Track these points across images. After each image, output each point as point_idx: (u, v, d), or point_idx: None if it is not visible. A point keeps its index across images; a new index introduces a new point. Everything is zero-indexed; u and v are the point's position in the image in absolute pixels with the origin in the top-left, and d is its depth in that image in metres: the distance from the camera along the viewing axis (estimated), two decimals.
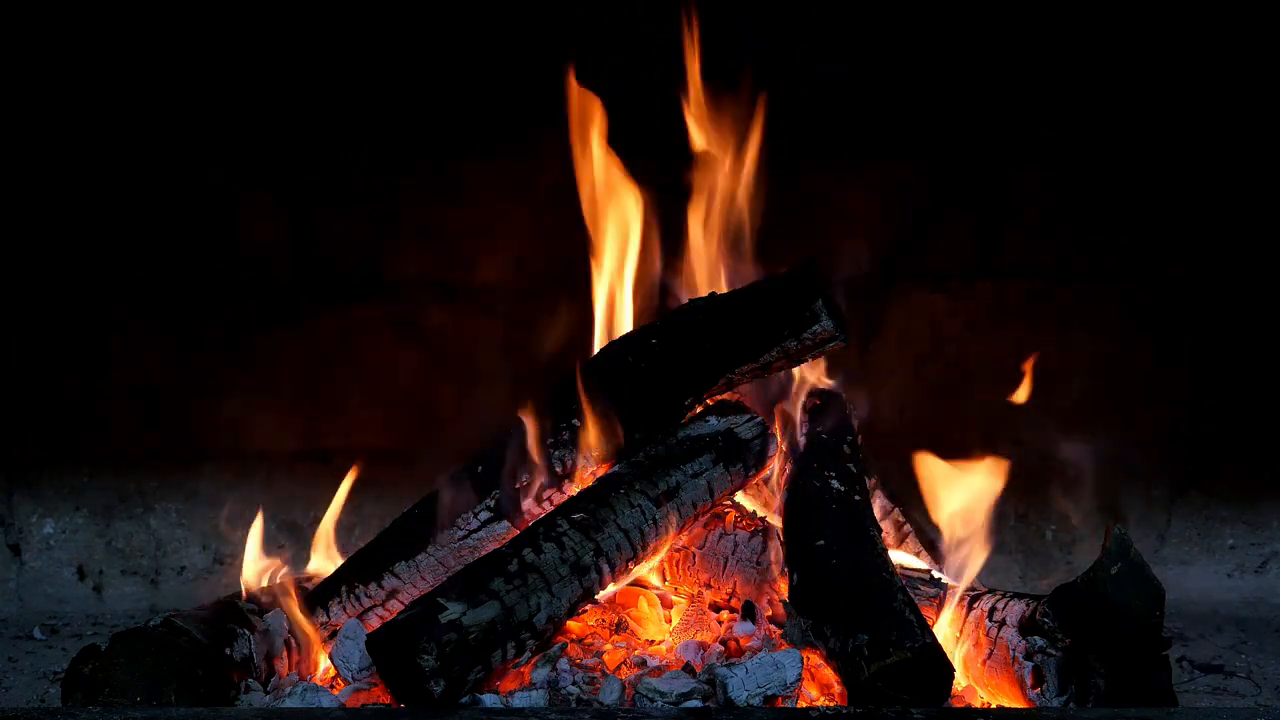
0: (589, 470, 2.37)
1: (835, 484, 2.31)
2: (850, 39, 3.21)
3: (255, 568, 2.37)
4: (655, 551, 2.29)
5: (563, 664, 2.11)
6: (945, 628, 2.21)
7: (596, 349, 2.52)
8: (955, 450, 3.10)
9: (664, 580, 2.45)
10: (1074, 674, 1.98)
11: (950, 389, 3.29)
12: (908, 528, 2.59)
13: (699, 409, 2.41)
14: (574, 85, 2.64)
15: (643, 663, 2.17)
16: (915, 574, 2.36)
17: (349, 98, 3.20)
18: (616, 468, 2.31)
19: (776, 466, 2.44)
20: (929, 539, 2.53)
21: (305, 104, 3.20)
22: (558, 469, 2.36)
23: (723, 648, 2.22)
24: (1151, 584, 1.98)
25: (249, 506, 3.21)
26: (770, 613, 2.30)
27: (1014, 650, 2.06)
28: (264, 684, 2.17)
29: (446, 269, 3.27)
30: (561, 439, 2.37)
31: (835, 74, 3.21)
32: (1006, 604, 2.14)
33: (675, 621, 2.34)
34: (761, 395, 2.55)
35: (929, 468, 2.47)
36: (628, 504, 2.21)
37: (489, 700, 2.00)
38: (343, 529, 2.86)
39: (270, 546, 2.53)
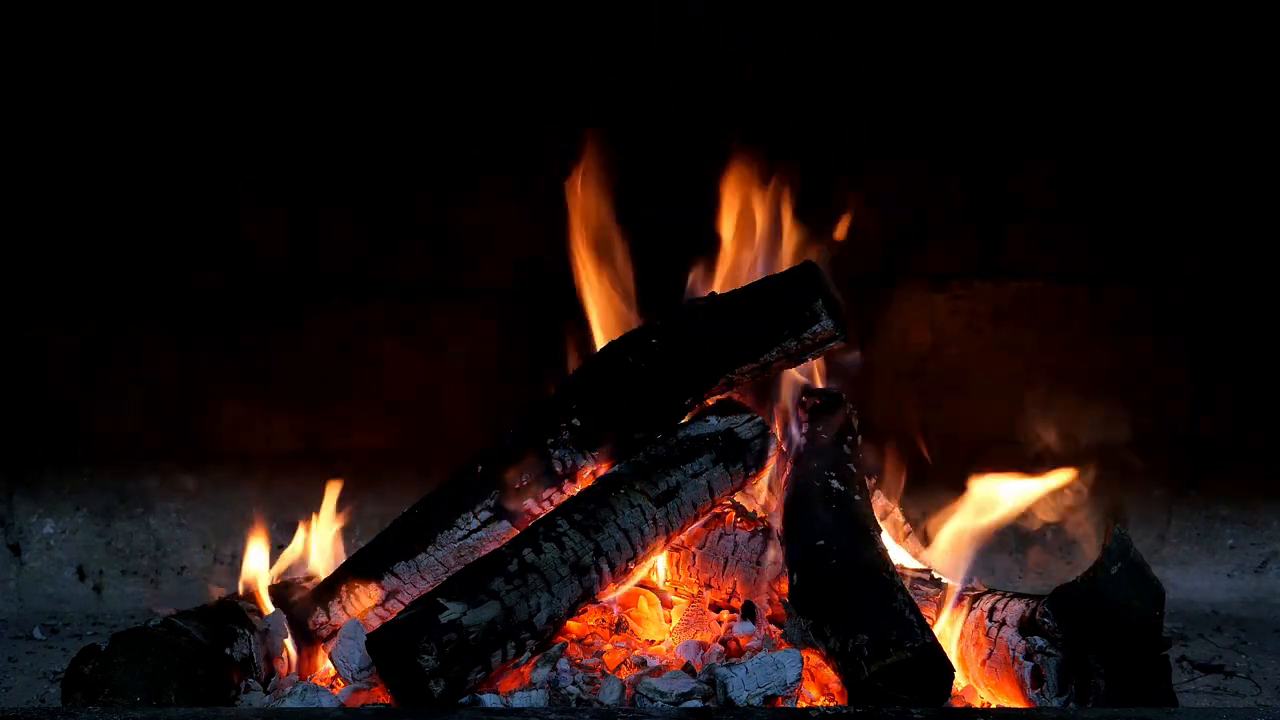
0: (589, 470, 2.37)
1: (835, 484, 2.31)
2: (848, 37, 3.22)
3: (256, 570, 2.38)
4: (655, 551, 2.29)
5: (563, 664, 2.11)
6: (945, 628, 2.20)
7: (597, 348, 2.52)
8: (955, 450, 3.12)
9: (664, 580, 2.45)
10: (1074, 674, 1.97)
11: (950, 389, 3.29)
12: (908, 527, 2.59)
13: (699, 409, 2.41)
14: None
15: (643, 663, 2.17)
16: (915, 574, 2.36)
17: (349, 99, 3.21)
18: (616, 468, 2.31)
19: (776, 466, 2.44)
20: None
21: (305, 105, 3.20)
22: (558, 469, 2.36)
23: (723, 648, 2.22)
24: (1151, 584, 1.98)
25: (250, 507, 3.23)
26: (770, 613, 2.30)
27: (1014, 650, 2.06)
28: (264, 684, 2.17)
29: (446, 269, 3.27)
30: (561, 439, 2.37)
31: (833, 73, 3.21)
32: (1006, 604, 2.14)
33: (675, 621, 2.34)
34: (762, 395, 2.55)
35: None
36: (628, 504, 2.21)
37: (489, 700, 2.00)
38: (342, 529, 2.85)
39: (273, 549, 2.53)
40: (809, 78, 3.19)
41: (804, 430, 2.50)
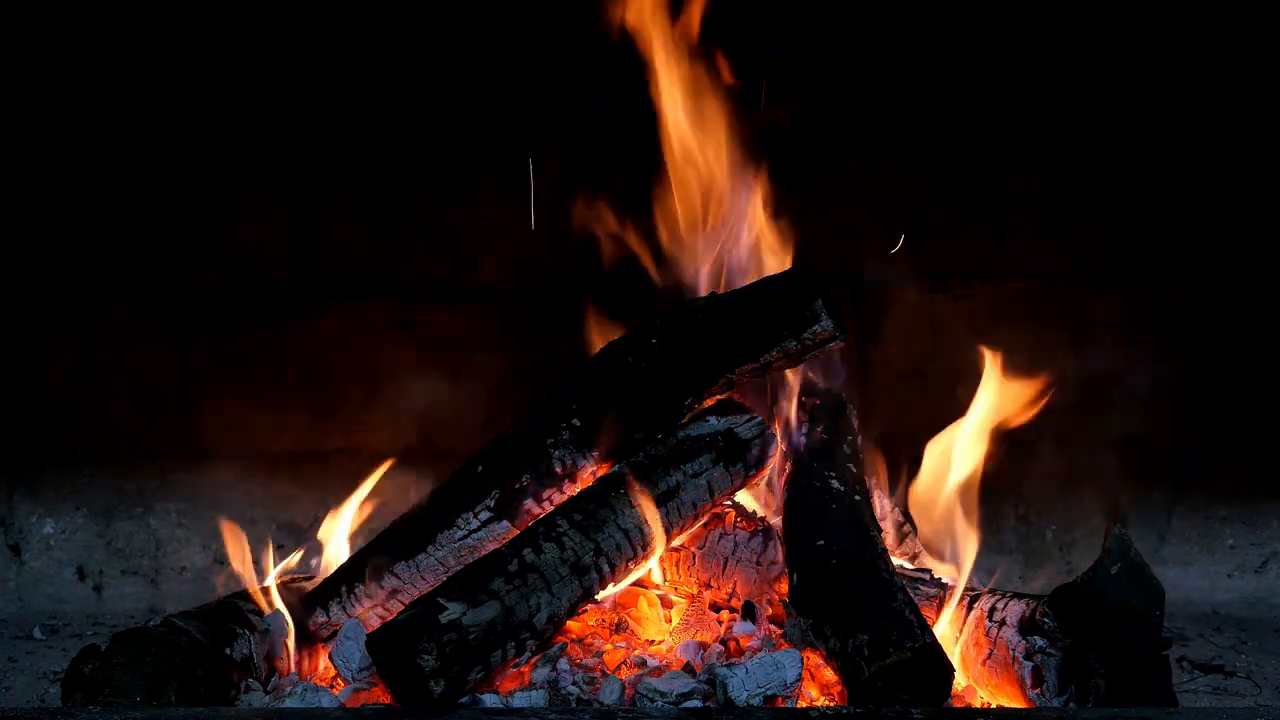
0: (589, 470, 2.36)
1: (835, 484, 2.31)
2: (849, 37, 3.22)
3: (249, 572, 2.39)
4: (655, 551, 2.29)
5: (563, 664, 2.11)
6: (945, 628, 2.21)
7: (597, 348, 2.52)
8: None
9: (664, 580, 2.45)
10: (1074, 674, 1.98)
11: (950, 389, 3.28)
12: (908, 528, 2.59)
13: (699, 409, 2.41)
14: None
15: (643, 663, 2.17)
16: (915, 574, 2.36)
17: (350, 99, 3.21)
18: (616, 468, 2.31)
19: (776, 466, 2.44)
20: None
21: (306, 105, 3.20)
22: (558, 469, 2.36)
23: (723, 648, 2.22)
24: (1151, 584, 1.98)
25: (250, 506, 3.23)
26: (770, 613, 2.30)
27: (1014, 650, 2.06)
28: (264, 684, 2.17)
29: (446, 269, 3.27)
30: (561, 439, 2.37)
31: (834, 72, 3.21)
32: (1006, 604, 2.15)
33: (675, 621, 2.34)
34: (762, 395, 2.55)
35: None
36: (628, 504, 2.21)
37: (489, 700, 2.00)
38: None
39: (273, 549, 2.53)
40: (809, 77, 3.19)
41: (804, 430, 2.50)
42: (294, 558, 2.54)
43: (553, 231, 3.18)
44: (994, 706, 2.09)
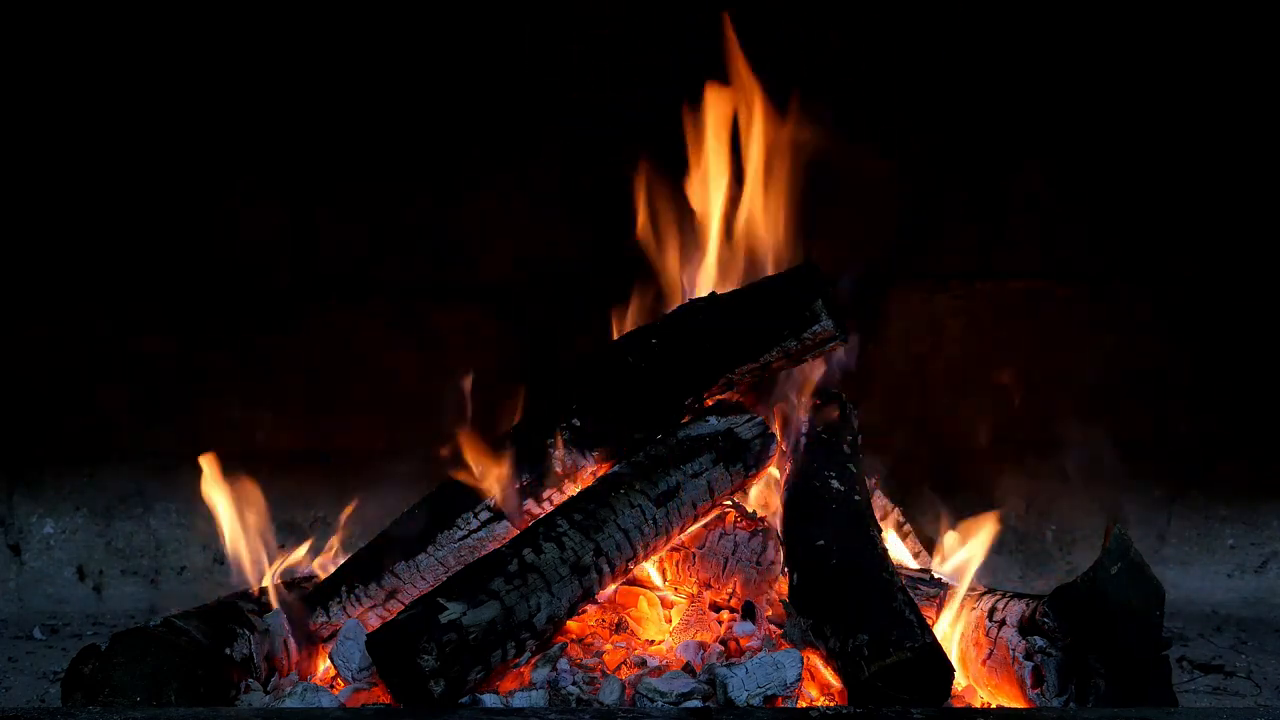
0: (589, 470, 2.37)
1: (835, 484, 2.31)
2: (848, 36, 3.21)
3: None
4: (655, 551, 2.29)
5: (563, 664, 2.11)
6: (945, 628, 2.21)
7: (597, 348, 2.52)
8: (956, 450, 3.12)
9: (664, 580, 2.45)
10: (1074, 674, 1.98)
11: (950, 389, 3.28)
12: (908, 528, 2.59)
13: (699, 409, 2.41)
14: None
15: (643, 663, 2.17)
16: (915, 574, 2.36)
17: (350, 99, 3.20)
18: (616, 468, 2.31)
19: (776, 466, 2.44)
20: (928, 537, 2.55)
21: (306, 106, 3.20)
22: (558, 469, 2.36)
23: (723, 648, 2.22)
24: (1151, 584, 1.98)
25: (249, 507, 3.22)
26: (770, 613, 2.30)
27: (1014, 650, 2.06)
28: (264, 684, 2.17)
29: (446, 269, 3.27)
30: (562, 439, 2.37)
31: (833, 72, 3.21)
32: (1006, 604, 2.15)
33: (675, 621, 2.34)
34: (762, 395, 2.55)
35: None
36: (628, 504, 2.21)
37: (489, 700, 2.00)
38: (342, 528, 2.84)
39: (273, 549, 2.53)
40: (809, 76, 3.19)
41: (804, 430, 2.50)
42: (296, 555, 2.54)
43: (553, 231, 3.19)
44: (994, 706, 2.09)
